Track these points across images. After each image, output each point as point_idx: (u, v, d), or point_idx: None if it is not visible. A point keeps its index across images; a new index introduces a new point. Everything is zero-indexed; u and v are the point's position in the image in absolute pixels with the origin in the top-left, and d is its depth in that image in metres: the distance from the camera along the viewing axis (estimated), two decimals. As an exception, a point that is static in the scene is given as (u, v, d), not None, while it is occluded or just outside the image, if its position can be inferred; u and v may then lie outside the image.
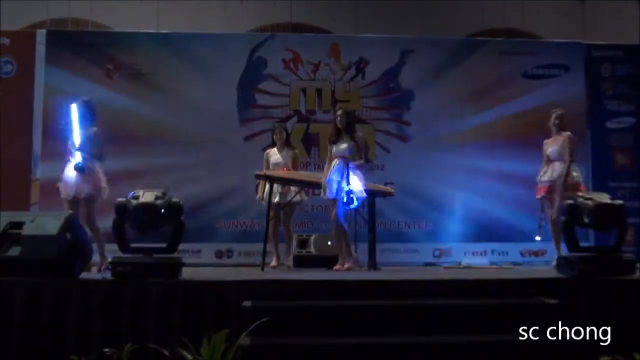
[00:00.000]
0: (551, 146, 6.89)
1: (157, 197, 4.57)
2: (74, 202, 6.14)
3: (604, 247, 4.94)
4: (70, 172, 6.21)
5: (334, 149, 6.50)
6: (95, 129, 6.35)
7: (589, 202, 4.89)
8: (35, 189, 8.44)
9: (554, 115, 6.97)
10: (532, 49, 9.35)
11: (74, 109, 6.27)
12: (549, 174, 6.83)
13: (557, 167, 6.78)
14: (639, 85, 9.21)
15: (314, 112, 8.97)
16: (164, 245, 4.61)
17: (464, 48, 9.26)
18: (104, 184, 6.30)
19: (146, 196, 4.56)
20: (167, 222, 4.59)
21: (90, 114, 6.33)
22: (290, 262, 7.04)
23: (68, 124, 6.26)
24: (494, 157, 8.79)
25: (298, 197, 7.07)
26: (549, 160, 6.88)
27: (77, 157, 6.17)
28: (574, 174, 6.75)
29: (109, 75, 8.75)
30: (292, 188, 7.03)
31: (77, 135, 6.21)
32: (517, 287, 4.53)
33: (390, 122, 9.07)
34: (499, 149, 8.73)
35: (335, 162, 6.43)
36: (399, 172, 8.70)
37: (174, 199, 4.63)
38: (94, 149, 6.25)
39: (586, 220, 4.85)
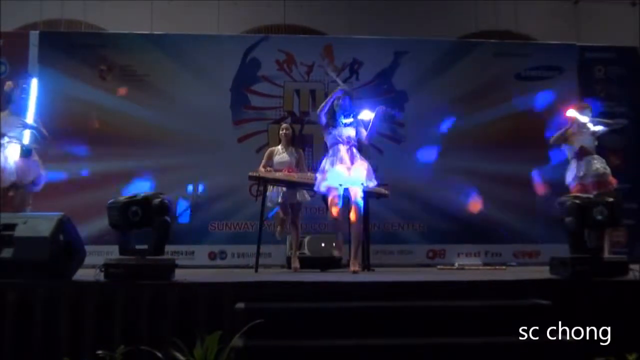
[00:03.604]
0: (584, 137, 6.73)
1: (133, 196, 4.53)
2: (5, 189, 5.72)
3: (596, 248, 4.93)
4: (10, 156, 5.76)
5: (336, 132, 6.13)
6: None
7: (602, 199, 4.89)
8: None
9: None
10: (525, 51, 9.40)
11: (34, 84, 5.85)
12: (593, 167, 6.60)
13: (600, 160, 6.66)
14: (631, 87, 9.26)
15: (308, 113, 8.97)
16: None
17: (457, 50, 9.29)
18: (42, 170, 6.04)
19: (124, 197, 4.55)
20: (147, 222, 4.52)
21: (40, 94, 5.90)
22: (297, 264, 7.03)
23: (23, 99, 5.83)
24: (487, 158, 8.80)
25: (305, 196, 6.98)
26: (586, 153, 6.66)
27: (25, 138, 5.74)
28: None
29: (102, 77, 8.74)
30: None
31: (32, 113, 5.79)
32: (510, 288, 4.53)
33: (384, 123, 9.08)
34: (493, 150, 8.75)
35: (342, 147, 6.07)
36: (393, 173, 8.70)
37: (157, 199, 4.54)
38: (38, 131, 5.91)
39: (599, 217, 4.80)
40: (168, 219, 4.58)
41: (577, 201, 4.95)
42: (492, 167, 8.79)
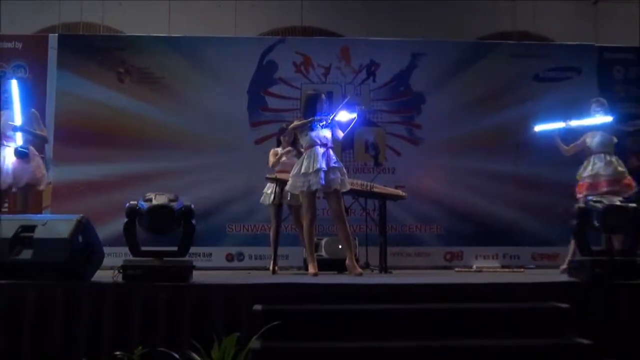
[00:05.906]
0: (596, 136, 6.58)
1: (170, 200, 4.56)
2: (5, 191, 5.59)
3: (616, 250, 4.88)
4: (6, 159, 5.61)
5: (313, 134, 5.97)
6: (33, 109, 5.92)
7: (598, 205, 4.81)
8: (47, 192, 8.48)
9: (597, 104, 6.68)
10: (543, 52, 9.33)
11: (15, 85, 5.71)
12: (605, 166, 6.43)
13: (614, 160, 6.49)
14: (651, 88, 9.17)
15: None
16: (174, 248, 4.61)
17: (475, 51, 9.25)
18: (44, 170, 5.91)
19: (159, 199, 4.55)
20: (179, 225, 4.59)
21: (28, 93, 5.86)
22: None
23: (6, 101, 5.69)
24: (504, 160, 8.76)
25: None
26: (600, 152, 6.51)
27: (18, 140, 5.61)
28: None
29: (120, 79, 8.79)
30: None
31: (18, 115, 5.63)
32: (529, 291, 4.50)
33: (401, 125, 9.07)
34: (510, 152, 8.70)
35: (319, 149, 5.91)
36: (410, 175, 8.69)
37: (186, 203, 4.63)
38: (34, 131, 5.78)
39: (596, 224, 4.78)
40: (194, 222, 4.63)
41: (581, 205, 4.92)
42: (509, 168, 8.75)
